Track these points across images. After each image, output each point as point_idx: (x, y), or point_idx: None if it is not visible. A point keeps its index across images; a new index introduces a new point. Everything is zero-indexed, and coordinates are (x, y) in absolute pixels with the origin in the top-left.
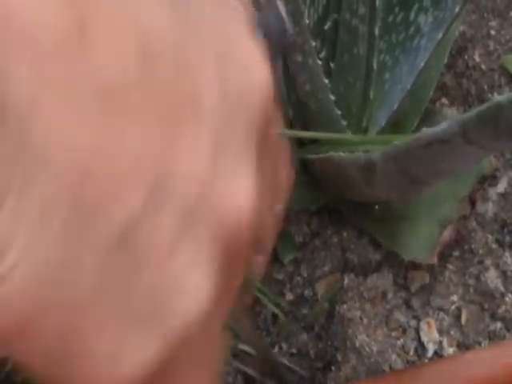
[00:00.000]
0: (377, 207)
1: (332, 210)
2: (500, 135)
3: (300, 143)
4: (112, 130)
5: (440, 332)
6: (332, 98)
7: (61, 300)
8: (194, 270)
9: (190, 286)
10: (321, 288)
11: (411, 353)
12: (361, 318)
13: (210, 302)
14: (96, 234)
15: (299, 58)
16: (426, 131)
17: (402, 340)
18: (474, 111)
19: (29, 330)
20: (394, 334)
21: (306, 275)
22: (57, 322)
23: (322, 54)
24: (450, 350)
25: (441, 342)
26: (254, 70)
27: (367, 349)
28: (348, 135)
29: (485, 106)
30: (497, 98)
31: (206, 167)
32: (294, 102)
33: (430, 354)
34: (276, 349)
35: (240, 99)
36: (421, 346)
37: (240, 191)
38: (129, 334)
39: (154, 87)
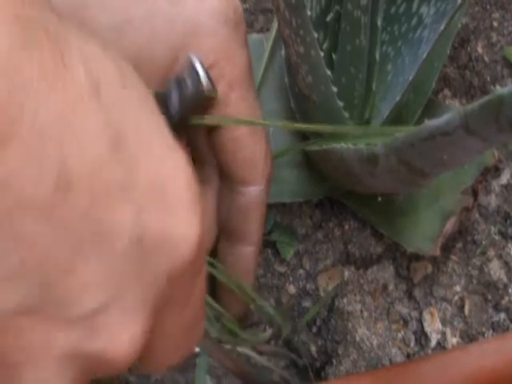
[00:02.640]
0: (379, 199)
1: (334, 202)
2: (502, 128)
3: (303, 136)
4: (7, 229)
5: (443, 322)
6: (334, 89)
7: None
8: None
9: None
10: (323, 281)
11: (412, 345)
12: (361, 311)
13: None
14: None
15: (301, 50)
16: (428, 123)
17: (402, 332)
18: (475, 103)
19: None
20: (394, 326)
21: (308, 268)
22: None
23: (325, 46)
24: (453, 341)
25: (444, 333)
26: (180, 223)
27: (367, 343)
28: (351, 128)
29: (486, 98)
30: (499, 90)
31: (99, 298)
32: (296, 94)
33: (433, 344)
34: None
35: (155, 250)
36: (424, 337)
37: (118, 335)
38: None
39: (62, 211)
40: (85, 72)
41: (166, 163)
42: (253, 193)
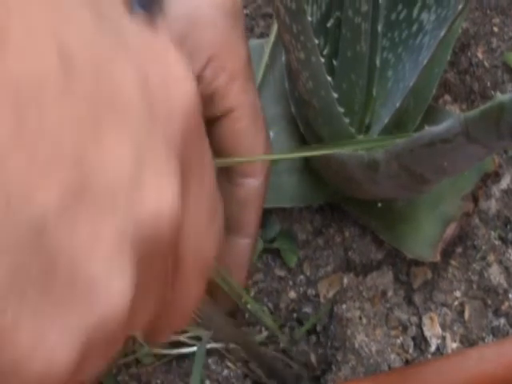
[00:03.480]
0: (379, 205)
1: (335, 208)
2: (503, 134)
3: (303, 141)
4: (31, 116)
5: (443, 327)
6: (335, 95)
7: None
8: (114, 269)
9: (109, 285)
10: (323, 288)
11: (410, 351)
12: (360, 318)
13: (129, 301)
14: (11, 229)
15: (302, 56)
16: (429, 130)
17: (401, 338)
18: (476, 110)
19: None
20: (393, 332)
21: (308, 274)
22: None
23: (325, 52)
24: (453, 345)
25: (444, 337)
26: (176, 82)
27: (366, 349)
28: (353, 138)
29: (487, 105)
30: (499, 97)
31: (129, 168)
32: (297, 99)
33: (433, 348)
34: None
35: (162, 109)
36: (423, 342)
37: (162, 193)
38: (47, 330)
39: (73, 89)
40: None
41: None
42: (252, 184)
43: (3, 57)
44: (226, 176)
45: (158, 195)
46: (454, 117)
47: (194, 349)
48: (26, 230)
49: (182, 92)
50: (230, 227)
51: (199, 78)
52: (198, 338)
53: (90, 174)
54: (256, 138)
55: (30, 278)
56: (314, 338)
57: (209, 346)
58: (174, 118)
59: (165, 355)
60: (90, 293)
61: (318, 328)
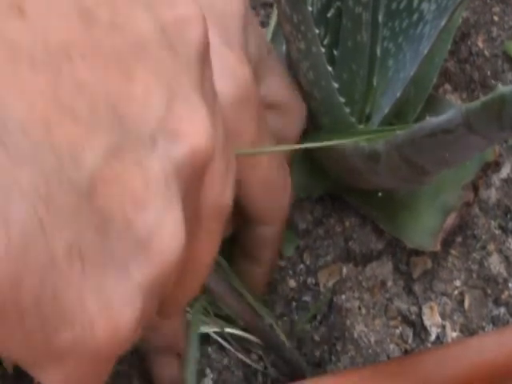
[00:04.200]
0: (380, 194)
1: (335, 198)
2: (504, 126)
3: (303, 132)
4: (64, 77)
5: (443, 317)
6: (335, 85)
7: (34, 263)
8: (165, 214)
9: (164, 231)
10: (323, 277)
11: (409, 341)
12: (359, 308)
13: (183, 244)
14: (65, 187)
15: (302, 46)
16: (429, 121)
17: (400, 329)
18: (477, 102)
19: (4, 307)
20: (392, 323)
21: (308, 263)
22: (33, 290)
23: (326, 42)
24: (453, 335)
25: (444, 327)
26: (189, 23)
27: (365, 339)
28: (354, 128)
29: (489, 96)
30: (501, 88)
31: (162, 106)
32: (297, 90)
33: (432, 337)
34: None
35: (177, 35)
36: (423, 331)
37: (197, 126)
38: (112, 282)
39: (97, 38)
40: None
41: None
42: (269, 231)
43: (23, 26)
44: (244, 222)
45: (194, 128)
46: (455, 108)
47: None
48: (80, 196)
49: (194, 33)
50: (247, 257)
51: None
52: None
53: (127, 122)
54: (274, 196)
55: (89, 242)
56: (313, 328)
57: (207, 330)
58: (192, 56)
59: None
60: (147, 243)
61: (318, 318)
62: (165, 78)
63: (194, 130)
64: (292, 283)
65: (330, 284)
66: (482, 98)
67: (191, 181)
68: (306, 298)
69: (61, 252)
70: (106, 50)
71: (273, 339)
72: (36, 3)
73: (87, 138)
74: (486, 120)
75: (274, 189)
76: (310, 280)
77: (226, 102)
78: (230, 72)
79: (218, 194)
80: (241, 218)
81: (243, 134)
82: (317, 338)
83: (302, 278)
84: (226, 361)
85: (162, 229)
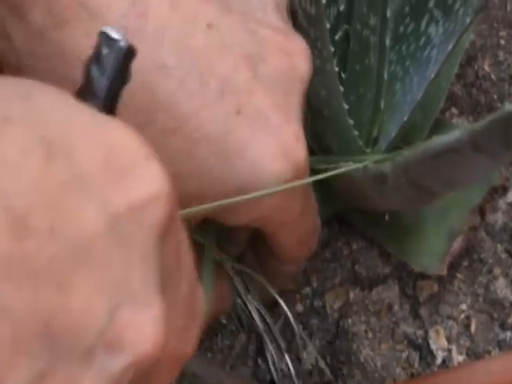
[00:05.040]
0: (387, 218)
1: (342, 221)
2: (510, 145)
3: (310, 152)
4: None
5: (449, 340)
6: (346, 106)
7: None
8: None
9: None
10: (330, 300)
11: (416, 365)
12: (366, 332)
13: None
14: None
15: (317, 63)
16: (436, 141)
17: (406, 352)
18: (483, 121)
19: None
20: (398, 346)
21: (315, 286)
22: None
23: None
24: (459, 358)
25: (450, 350)
26: (140, 185)
27: (371, 363)
28: (362, 151)
29: (495, 115)
30: (507, 106)
31: (104, 311)
32: (308, 109)
33: (438, 361)
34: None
35: (132, 223)
36: (429, 355)
37: (144, 323)
38: None
39: (30, 252)
40: None
41: (106, 136)
42: (290, 269)
43: None
44: (269, 259)
45: (140, 336)
46: (461, 127)
47: None
48: None
49: (154, 216)
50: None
51: None
52: None
53: (60, 340)
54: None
55: None
56: (320, 352)
57: None
58: (151, 241)
59: None
60: None
61: (324, 342)
62: (110, 282)
63: (139, 338)
64: (299, 307)
65: (337, 306)
66: (488, 117)
67: (137, 379)
68: (314, 321)
69: None
70: (39, 264)
71: None
72: None
73: (9, 368)
74: (493, 139)
75: (303, 234)
76: (317, 303)
77: (275, 183)
78: (282, 151)
79: (172, 352)
80: (265, 250)
81: (288, 210)
82: (323, 361)
83: (308, 301)
84: None
85: None
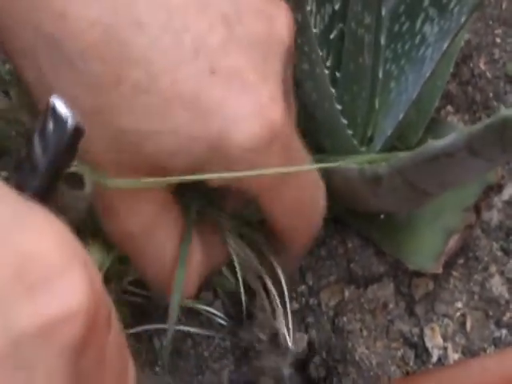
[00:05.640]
0: (382, 217)
1: (337, 220)
2: (506, 148)
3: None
4: None
5: (444, 338)
6: (338, 107)
7: None
8: None
9: None
10: (325, 297)
11: (411, 363)
12: (361, 330)
13: None
14: None
15: (306, 67)
16: (432, 144)
17: (401, 351)
18: (480, 124)
19: None
20: (394, 344)
21: (311, 284)
22: None
23: (328, 63)
24: (455, 356)
25: (445, 348)
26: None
27: (367, 361)
28: (356, 150)
29: (491, 119)
30: (503, 111)
31: None
32: (300, 111)
33: (434, 359)
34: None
35: (39, 339)
36: (425, 353)
37: None
38: None
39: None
40: None
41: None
42: (294, 248)
43: None
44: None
45: None
46: (457, 131)
47: None
48: None
49: (64, 336)
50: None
51: None
52: None
53: None
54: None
55: None
56: (314, 350)
57: None
58: (58, 357)
59: None
60: None
61: (319, 339)
62: None
63: None
64: (294, 304)
65: (332, 304)
66: (484, 121)
67: None
68: (309, 318)
69: None
70: None
71: None
72: None
73: None
74: (489, 143)
75: (301, 208)
76: (313, 301)
77: (248, 144)
78: (258, 111)
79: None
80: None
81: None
82: (318, 359)
83: (304, 299)
84: None
85: None
